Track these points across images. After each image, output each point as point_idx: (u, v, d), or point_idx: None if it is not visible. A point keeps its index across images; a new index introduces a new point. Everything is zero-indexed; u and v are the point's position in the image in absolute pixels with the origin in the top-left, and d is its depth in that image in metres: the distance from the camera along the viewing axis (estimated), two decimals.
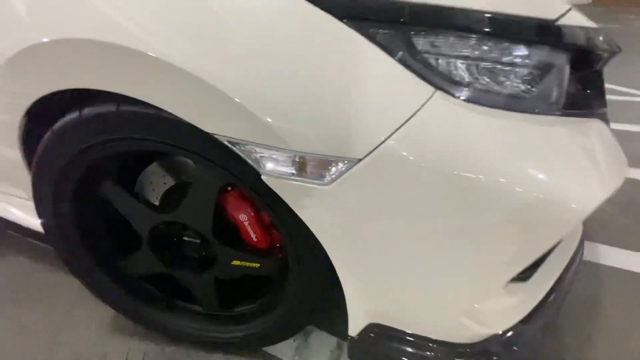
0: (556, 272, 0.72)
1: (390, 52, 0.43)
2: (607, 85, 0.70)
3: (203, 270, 0.73)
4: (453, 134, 0.44)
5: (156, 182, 0.73)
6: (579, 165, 0.50)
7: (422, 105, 0.42)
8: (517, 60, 0.54)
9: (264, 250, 0.70)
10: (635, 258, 1.09)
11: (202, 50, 0.44)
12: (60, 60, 0.53)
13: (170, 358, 0.82)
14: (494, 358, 0.61)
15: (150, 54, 0.44)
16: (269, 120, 0.43)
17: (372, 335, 0.62)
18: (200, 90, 0.45)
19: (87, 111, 0.55)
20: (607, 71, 0.68)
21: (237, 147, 0.47)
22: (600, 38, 0.67)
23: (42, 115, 0.61)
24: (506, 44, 0.52)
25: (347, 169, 0.44)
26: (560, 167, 0.48)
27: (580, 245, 0.84)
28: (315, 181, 0.46)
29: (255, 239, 0.68)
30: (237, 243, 0.69)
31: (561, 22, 0.58)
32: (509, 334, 0.62)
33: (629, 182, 1.40)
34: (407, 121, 0.42)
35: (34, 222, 0.79)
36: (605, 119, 0.67)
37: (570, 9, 0.64)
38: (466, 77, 0.47)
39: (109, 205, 0.70)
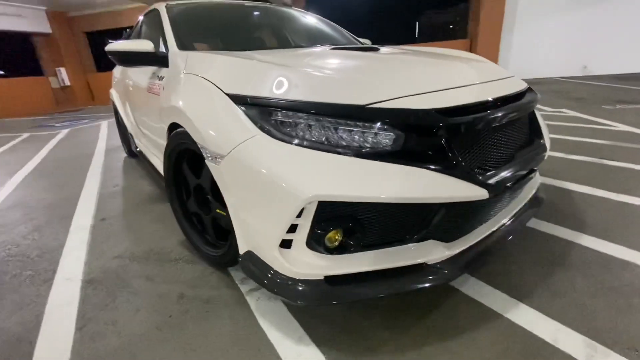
0: (364, 267, 1.03)
1: (248, 116, 1.06)
2: None
3: (209, 212, 1.46)
4: (260, 152, 1.00)
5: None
6: (317, 178, 0.93)
7: (249, 137, 1.02)
8: (330, 124, 1.02)
9: None
10: (562, 333, 1.09)
11: (197, 117, 1.20)
12: (175, 112, 1.40)
13: (192, 261, 1.58)
14: (299, 289, 1.02)
15: (186, 114, 1.24)
16: (205, 137, 1.13)
17: (249, 257, 1.16)
18: (194, 128, 1.20)
19: (179, 130, 1.41)
20: None
21: (201, 148, 1.18)
22: (420, 115, 1.02)
23: (171, 128, 1.51)
24: (320, 117, 1.02)
25: (224, 158, 1.07)
26: (304, 176, 0.94)
27: (427, 269, 1.07)
28: (217, 163, 1.11)
29: None
30: (222, 202, 1.38)
31: (378, 105, 1.02)
32: (313, 282, 1.03)
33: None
34: (241, 142, 1.02)
35: None
36: (447, 172, 0.99)
37: (399, 97, 1.04)
38: (280, 128, 1.02)
39: (182, 173, 1.54)
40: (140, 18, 2.75)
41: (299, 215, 0.96)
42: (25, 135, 5.85)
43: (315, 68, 1.23)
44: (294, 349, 1.05)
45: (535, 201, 1.52)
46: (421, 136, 1.03)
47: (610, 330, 1.05)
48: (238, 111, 1.09)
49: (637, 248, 1.45)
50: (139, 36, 2.68)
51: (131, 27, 3.36)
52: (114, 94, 3.43)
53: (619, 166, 2.37)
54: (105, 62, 11.10)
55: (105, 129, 5.82)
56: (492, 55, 9.15)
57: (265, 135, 1.02)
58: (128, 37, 3.15)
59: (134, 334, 1.16)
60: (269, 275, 1.08)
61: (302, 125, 1.03)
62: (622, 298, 1.17)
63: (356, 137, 1.01)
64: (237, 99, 1.11)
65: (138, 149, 3.10)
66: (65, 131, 5.94)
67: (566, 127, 3.57)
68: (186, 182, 1.55)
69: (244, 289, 1.36)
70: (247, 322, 1.18)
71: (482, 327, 1.09)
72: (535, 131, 1.48)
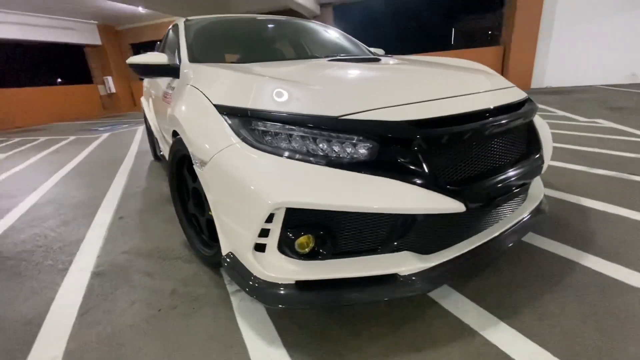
0: (334, 274, 1.05)
1: (229, 125, 1.12)
2: None
3: (204, 214, 1.55)
4: (237, 159, 1.06)
5: None
6: (286, 185, 0.98)
7: (229, 145, 1.08)
8: (306, 135, 1.06)
9: None
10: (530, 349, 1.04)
11: (188, 126, 1.29)
12: (174, 120, 1.51)
13: (190, 260, 1.67)
14: (270, 291, 1.06)
15: (181, 122, 1.33)
16: (193, 144, 1.22)
17: (231, 258, 1.22)
18: (185, 135, 1.29)
19: (178, 137, 1.51)
20: None
21: (191, 154, 1.27)
22: (392, 127, 1.03)
23: (174, 134, 1.63)
24: (296, 127, 1.07)
25: (206, 164, 1.15)
26: (273, 183, 0.98)
27: (399, 280, 1.07)
28: (202, 169, 1.19)
29: None
30: None
31: (350, 117, 1.05)
32: (283, 285, 1.06)
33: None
34: (221, 150, 1.09)
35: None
36: (422, 184, 1.01)
37: (376, 109, 1.07)
38: (258, 138, 1.08)
39: (183, 176, 1.65)
40: (168, 31, 2.97)
41: (270, 220, 1.01)
42: (71, 138, 6.42)
43: (300, 80, 1.28)
44: (264, 350, 1.09)
45: (535, 215, 1.46)
46: (396, 148, 1.05)
47: (593, 359, 0.99)
48: (222, 121, 1.16)
49: None
50: (164, 48, 2.89)
51: None
52: (144, 101, 3.70)
53: None
54: None
55: (140, 134, 6.25)
56: (527, 62, 8.74)
57: (244, 144, 1.08)
58: (157, 49, 3.40)
59: (124, 324, 1.26)
60: (249, 282, 1.12)
61: (280, 135, 1.08)
62: (616, 325, 1.10)
63: (331, 147, 1.05)
64: (222, 109, 1.19)
65: (161, 153, 3.31)
66: (105, 135, 6.45)
67: (595, 139, 3.34)
68: (186, 185, 1.66)
69: (230, 289, 1.42)
70: (227, 321, 1.24)
71: (455, 343, 1.07)
72: (533, 143, 1.42)
